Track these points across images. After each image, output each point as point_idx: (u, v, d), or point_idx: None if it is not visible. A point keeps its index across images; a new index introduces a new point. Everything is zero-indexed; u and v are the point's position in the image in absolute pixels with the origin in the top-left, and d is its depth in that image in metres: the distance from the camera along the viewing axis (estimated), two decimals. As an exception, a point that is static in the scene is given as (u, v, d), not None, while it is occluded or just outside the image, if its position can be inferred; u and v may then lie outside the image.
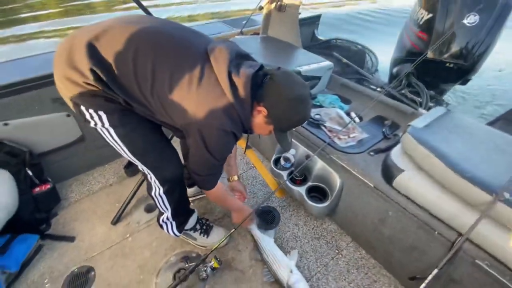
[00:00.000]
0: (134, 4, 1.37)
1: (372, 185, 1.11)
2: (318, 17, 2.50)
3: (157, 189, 1.08)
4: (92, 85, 0.80)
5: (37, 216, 1.49)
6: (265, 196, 1.65)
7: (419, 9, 1.89)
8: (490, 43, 1.66)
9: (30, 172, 1.49)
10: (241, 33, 2.04)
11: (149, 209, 1.61)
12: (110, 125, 0.87)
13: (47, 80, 1.45)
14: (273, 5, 1.91)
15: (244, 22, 2.14)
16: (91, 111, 0.85)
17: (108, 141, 0.94)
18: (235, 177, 1.35)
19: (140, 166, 1.01)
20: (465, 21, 1.60)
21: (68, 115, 1.57)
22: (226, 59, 0.79)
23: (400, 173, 0.99)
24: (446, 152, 0.87)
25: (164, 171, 1.04)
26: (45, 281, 1.29)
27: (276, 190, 1.63)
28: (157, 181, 1.05)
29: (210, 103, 0.80)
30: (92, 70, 0.76)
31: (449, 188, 0.85)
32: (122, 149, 0.94)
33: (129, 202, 1.56)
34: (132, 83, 0.79)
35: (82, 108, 0.85)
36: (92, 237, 1.47)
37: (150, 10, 1.41)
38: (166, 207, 1.16)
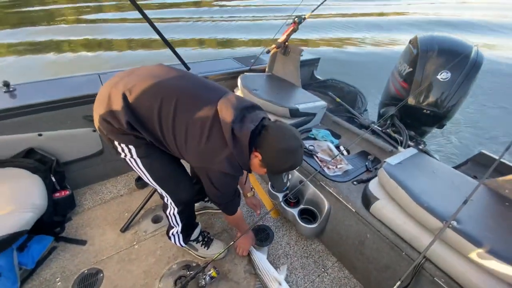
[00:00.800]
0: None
1: (354, 210, 1.31)
2: (317, 59, 2.84)
3: (172, 209, 1.28)
4: (123, 130, 1.00)
5: (54, 219, 1.63)
6: (261, 215, 1.82)
7: (402, 62, 2.22)
8: (461, 96, 1.95)
9: (53, 179, 1.67)
10: (250, 70, 2.34)
11: (156, 220, 1.77)
12: (138, 156, 1.08)
13: (81, 100, 1.69)
14: (279, 50, 2.23)
15: (252, 60, 2.46)
16: (122, 145, 1.06)
17: (135, 169, 1.14)
18: (249, 194, 1.59)
19: (159, 190, 1.22)
20: (438, 77, 1.91)
21: (94, 131, 1.79)
22: (230, 116, 0.95)
23: (376, 200, 1.20)
24: (410, 185, 1.09)
25: (179, 195, 1.24)
26: (57, 279, 1.42)
27: (271, 210, 1.81)
28: (173, 203, 1.25)
29: (215, 153, 0.99)
30: (128, 123, 0.97)
31: (412, 215, 1.06)
32: (146, 176, 1.15)
33: (138, 213, 1.72)
34: (157, 131, 1.01)
35: (116, 143, 1.06)
36: (102, 242, 1.61)
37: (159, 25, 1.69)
38: (177, 223, 1.35)
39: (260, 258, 1.47)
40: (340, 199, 1.36)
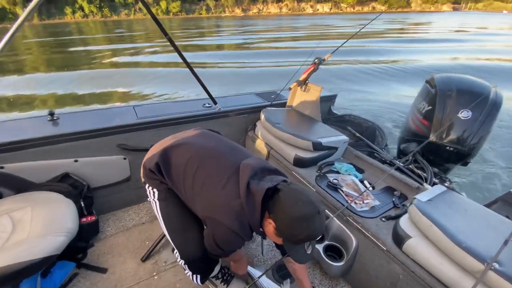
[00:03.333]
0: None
1: (385, 248, 1.26)
2: (334, 96, 2.95)
3: (180, 260, 1.24)
4: (154, 173, 1.14)
5: (78, 245, 1.66)
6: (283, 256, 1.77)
7: (421, 100, 2.29)
8: (483, 135, 1.95)
9: (82, 203, 1.73)
10: (271, 105, 2.45)
11: (176, 250, 1.75)
12: (158, 199, 1.19)
13: (116, 130, 1.81)
14: (300, 87, 2.36)
15: (273, 96, 2.59)
16: (150, 188, 1.21)
17: (155, 212, 1.23)
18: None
19: (168, 239, 1.23)
20: (459, 115, 1.94)
21: (125, 158, 1.88)
22: (249, 171, 0.98)
23: (409, 238, 1.17)
24: (445, 224, 1.07)
25: (184, 250, 1.18)
26: (76, 308, 1.40)
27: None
28: (179, 256, 1.22)
29: (226, 204, 0.97)
30: (157, 164, 1.12)
31: (449, 255, 1.01)
32: (161, 220, 1.22)
33: (159, 242, 1.72)
34: (180, 180, 1.10)
35: (147, 185, 1.22)
36: (122, 271, 1.60)
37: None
38: (187, 270, 1.28)
39: (259, 277, 1.37)
40: (369, 235, 1.33)
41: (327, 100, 2.89)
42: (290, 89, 2.43)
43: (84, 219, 1.72)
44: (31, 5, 1.13)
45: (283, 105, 2.56)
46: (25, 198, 1.49)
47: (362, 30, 2.50)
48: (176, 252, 1.23)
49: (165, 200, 1.18)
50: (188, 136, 1.24)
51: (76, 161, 1.74)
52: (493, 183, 3.04)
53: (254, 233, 1.08)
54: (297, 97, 2.47)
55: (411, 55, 11.06)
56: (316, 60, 2.28)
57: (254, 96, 2.65)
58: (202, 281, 1.39)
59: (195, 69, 1.95)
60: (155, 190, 1.19)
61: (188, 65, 1.87)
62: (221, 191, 1.00)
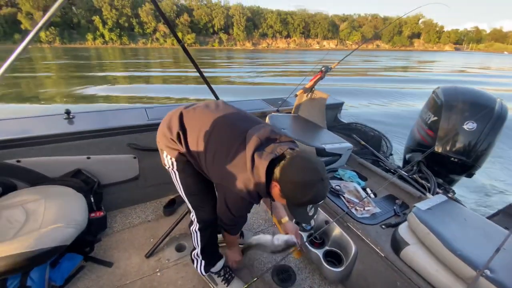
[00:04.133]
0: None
1: (383, 255, 1.28)
2: (341, 103, 2.99)
3: (195, 225, 1.37)
4: (173, 141, 1.19)
5: (86, 238, 1.72)
6: (283, 256, 1.79)
7: (427, 110, 2.29)
8: (487, 146, 1.94)
9: (92, 199, 1.80)
10: (277, 111, 2.51)
11: (179, 248, 1.80)
12: (177, 169, 1.25)
13: (128, 130, 1.89)
14: (306, 94, 2.40)
15: (280, 102, 2.64)
16: (168, 157, 1.25)
17: (174, 180, 1.31)
18: (286, 218, 1.50)
19: (187, 203, 1.34)
20: (464, 127, 1.95)
21: (134, 157, 1.95)
22: (254, 143, 1.04)
23: (406, 246, 1.18)
24: (442, 232, 1.08)
25: (202, 212, 1.33)
26: (82, 299, 1.45)
27: (293, 249, 1.78)
28: (196, 219, 1.35)
29: (235, 175, 1.06)
30: (178, 134, 1.17)
31: (444, 262, 1.03)
32: (180, 188, 1.30)
33: (163, 240, 1.77)
34: (194, 146, 1.16)
35: (164, 154, 1.26)
36: (127, 266, 1.65)
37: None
38: (198, 243, 1.41)
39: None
40: (368, 242, 1.35)
41: (334, 108, 2.92)
42: (296, 95, 2.48)
43: (93, 214, 1.79)
44: (39, 24, 1.20)
45: (289, 111, 2.61)
46: (39, 191, 1.57)
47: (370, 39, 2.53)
48: (193, 215, 1.34)
49: (183, 172, 1.25)
50: (202, 104, 1.28)
51: (88, 158, 1.82)
52: (497, 195, 2.99)
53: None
54: (303, 104, 2.51)
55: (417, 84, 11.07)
56: (323, 68, 2.33)
57: (261, 101, 2.71)
58: (206, 270, 1.48)
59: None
60: (173, 160, 1.23)
61: (198, 68, 1.93)
62: (230, 163, 1.06)
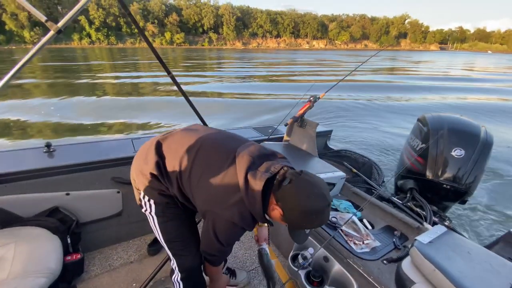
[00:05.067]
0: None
1: None
2: (330, 131, 3.02)
3: (177, 275, 1.22)
4: (153, 176, 1.06)
5: (59, 286, 1.53)
6: None
7: (414, 138, 2.34)
8: (478, 173, 1.97)
9: (69, 240, 1.64)
10: (268, 139, 2.49)
11: (165, 293, 1.63)
12: (156, 214, 1.13)
13: (112, 163, 1.79)
14: (296, 123, 2.42)
15: (270, 130, 2.64)
16: (146, 199, 1.12)
17: (152, 225, 1.18)
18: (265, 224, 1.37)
19: (167, 251, 1.20)
20: (453, 154, 1.98)
21: (118, 192, 1.83)
22: (246, 162, 0.95)
23: (413, 284, 1.10)
24: (448, 268, 1.02)
25: (184, 260, 1.19)
26: None
27: (287, 281, 1.65)
28: (177, 267, 1.20)
29: (226, 198, 0.95)
30: (156, 163, 1.05)
31: (456, 303, 0.96)
32: (159, 234, 1.17)
33: (147, 284, 1.60)
34: (176, 173, 1.04)
35: (141, 195, 1.12)
36: (105, 318, 1.46)
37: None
38: None
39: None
40: (371, 280, 1.26)
41: (323, 135, 2.94)
42: (286, 125, 2.49)
43: (69, 258, 1.62)
44: (41, 42, 1.18)
45: (280, 139, 2.60)
46: (10, 234, 1.42)
47: (355, 70, 2.65)
48: (174, 264, 1.20)
49: (163, 216, 1.13)
50: (182, 129, 1.18)
51: (67, 194, 1.69)
52: (492, 221, 3.00)
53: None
54: (294, 132, 2.51)
55: (404, 92, 11.61)
56: (311, 98, 2.38)
57: (252, 130, 2.70)
58: None
59: (193, 100, 1.97)
60: (151, 202, 1.11)
61: (185, 96, 1.90)
62: (219, 184, 0.96)
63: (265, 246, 1.29)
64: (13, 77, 1.18)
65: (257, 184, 0.91)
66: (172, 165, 1.05)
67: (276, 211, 0.95)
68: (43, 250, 1.34)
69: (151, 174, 1.07)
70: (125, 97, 9.82)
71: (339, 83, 2.49)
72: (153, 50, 1.61)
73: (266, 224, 1.36)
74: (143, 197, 1.12)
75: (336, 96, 10.19)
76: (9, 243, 1.35)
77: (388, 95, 10.89)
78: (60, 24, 1.19)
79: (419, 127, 2.36)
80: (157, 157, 1.07)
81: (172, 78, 1.79)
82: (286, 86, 13.74)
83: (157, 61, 1.64)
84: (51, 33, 1.21)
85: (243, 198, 0.93)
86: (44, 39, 1.21)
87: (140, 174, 1.10)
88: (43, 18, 1.19)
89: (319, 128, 2.67)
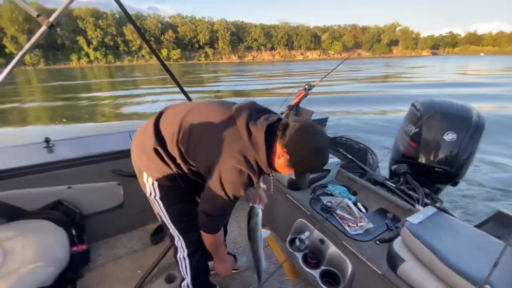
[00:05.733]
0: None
1: (380, 273, 1.26)
2: (326, 119, 3.05)
3: (182, 251, 1.27)
4: (156, 151, 1.08)
5: (67, 276, 1.59)
6: (274, 270, 1.75)
7: (408, 123, 2.38)
8: (469, 156, 2.03)
9: (74, 231, 1.69)
10: (265, 128, 2.52)
11: (169, 279, 1.70)
12: (160, 198, 1.17)
13: (111, 156, 1.82)
14: (291, 111, 2.44)
15: (267, 119, 2.67)
16: (150, 180, 1.14)
17: (156, 209, 1.22)
18: (262, 185, 1.40)
19: (174, 231, 1.24)
20: (445, 137, 2.03)
21: (119, 184, 1.87)
22: (246, 113, 0.99)
23: (402, 262, 1.17)
24: (437, 246, 1.08)
25: (190, 236, 1.25)
26: None
27: (284, 261, 1.73)
28: (184, 244, 1.26)
29: (230, 145, 0.97)
30: (156, 135, 1.08)
31: (442, 277, 1.02)
32: (165, 217, 1.21)
33: (151, 271, 1.67)
34: (177, 139, 1.05)
35: (144, 176, 1.15)
36: (113, 303, 1.54)
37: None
38: (187, 271, 1.31)
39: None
40: (364, 260, 1.33)
41: (319, 123, 2.97)
42: (282, 113, 2.51)
43: (75, 248, 1.67)
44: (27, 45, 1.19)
45: (277, 128, 2.63)
46: (16, 227, 1.46)
47: (346, 59, 2.64)
48: (179, 242, 1.24)
49: (167, 199, 1.17)
50: (171, 105, 1.20)
51: (69, 187, 1.73)
52: (482, 201, 3.10)
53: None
54: (290, 121, 2.54)
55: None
56: (306, 86, 2.39)
57: None
58: None
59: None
60: (155, 185, 1.13)
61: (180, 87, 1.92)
62: (221, 134, 0.99)
63: (258, 206, 1.22)
64: (9, 75, 1.19)
65: (259, 131, 0.95)
66: (171, 132, 1.07)
67: (282, 158, 0.98)
68: (49, 241, 1.40)
69: (154, 149, 1.08)
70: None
71: (335, 73, 2.49)
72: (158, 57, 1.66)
73: (262, 186, 1.39)
74: (147, 179, 1.15)
75: (332, 90, 10.15)
76: (17, 235, 1.40)
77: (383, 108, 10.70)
78: (51, 18, 1.19)
79: (412, 112, 2.40)
80: (156, 130, 1.09)
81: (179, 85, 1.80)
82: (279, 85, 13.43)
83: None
84: (43, 28, 1.21)
85: (246, 145, 0.95)
86: (36, 35, 1.21)
87: (142, 153, 1.12)
88: (34, 13, 1.18)
89: (315, 116, 2.70)
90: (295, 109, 2.49)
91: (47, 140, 1.84)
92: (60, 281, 1.53)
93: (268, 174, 1.09)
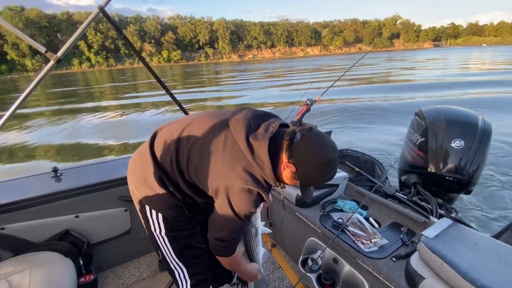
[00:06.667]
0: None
1: None
2: (330, 132, 3.05)
3: (185, 283, 1.19)
4: (156, 178, 1.01)
5: (75, 309, 1.55)
6: None
7: (413, 132, 2.36)
8: (479, 162, 1.98)
9: (81, 262, 1.66)
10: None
11: (179, 308, 1.64)
12: (165, 234, 1.10)
13: (118, 182, 1.83)
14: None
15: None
16: (154, 214, 1.07)
17: (160, 245, 1.14)
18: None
19: (173, 265, 1.18)
20: (452, 145, 2.00)
21: (126, 210, 1.86)
22: (243, 127, 0.93)
23: (422, 280, 1.11)
24: (456, 261, 1.03)
25: (194, 267, 1.19)
26: None
27: (297, 283, 1.65)
28: (186, 275, 1.19)
29: (234, 165, 0.91)
30: (155, 162, 1.01)
31: (466, 296, 0.97)
32: (170, 253, 1.14)
33: (160, 300, 1.62)
34: (176, 162, 1.00)
35: (147, 210, 1.07)
36: (122, 337, 1.47)
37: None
38: None
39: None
40: (382, 278, 1.27)
41: None
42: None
43: (82, 279, 1.65)
44: (43, 72, 1.24)
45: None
46: (24, 260, 1.44)
47: (348, 71, 2.69)
48: (181, 275, 1.18)
49: (173, 235, 1.10)
50: (164, 126, 1.13)
51: (77, 216, 1.72)
52: (499, 209, 2.99)
53: None
54: (297, 130, 2.54)
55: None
56: (308, 102, 2.41)
57: None
58: None
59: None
60: (160, 220, 1.07)
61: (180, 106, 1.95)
62: (222, 154, 0.93)
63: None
64: (19, 107, 1.24)
65: (262, 145, 0.89)
66: (169, 157, 1.01)
67: (287, 170, 0.93)
68: (57, 274, 1.37)
69: (158, 178, 1.02)
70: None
71: (335, 86, 2.52)
72: (149, 68, 1.68)
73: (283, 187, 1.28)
74: (150, 214, 1.08)
75: (334, 98, 10.24)
76: (25, 269, 1.38)
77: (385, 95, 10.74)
78: (59, 53, 1.25)
79: (416, 121, 2.38)
80: (153, 157, 1.03)
81: (171, 95, 1.84)
82: (281, 95, 13.60)
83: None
84: (51, 63, 1.27)
85: (250, 162, 0.91)
86: (44, 70, 1.27)
87: (142, 185, 1.06)
88: (42, 49, 1.24)
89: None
90: (298, 125, 2.50)
91: (55, 170, 1.86)
92: (67, 315, 1.49)
93: (277, 187, 1.03)
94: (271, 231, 1.22)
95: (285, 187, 1.09)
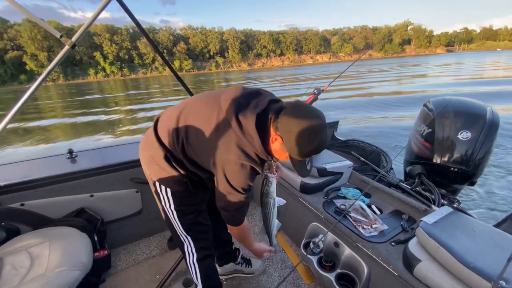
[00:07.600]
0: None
1: (396, 274, 1.25)
2: (337, 122, 3.06)
3: (192, 256, 1.30)
4: (163, 156, 1.10)
5: (90, 280, 1.67)
6: (289, 272, 1.75)
7: (421, 123, 2.35)
8: (485, 154, 1.97)
9: (96, 238, 1.77)
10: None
11: (187, 283, 1.74)
12: (175, 208, 1.20)
13: (130, 164, 1.91)
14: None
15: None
16: (163, 189, 1.16)
17: (170, 219, 1.24)
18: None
19: (183, 238, 1.27)
20: (459, 136, 1.99)
21: (137, 191, 1.95)
22: (233, 106, 0.98)
23: (418, 262, 1.16)
24: (452, 245, 1.07)
25: (201, 242, 1.29)
26: None
27: (298, 263, 1.73)
28: (193, 249, 1.28)
29: (227, 142, 0.97)
30: (159, 142, 1.10)
31: (457, 276, 1.01)
32: (178, 226, 1.24)
33: (169, 276, 1.72)
34: (176, 141, 1.08)
35: (157, 185, 1.16)
36: (133, 307, 1.59)
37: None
38: (197, 277, 1.32)
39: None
40: (380, 261, 1.32)
41: (330, 126, 2.98)
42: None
43: (97, 254, 1.75)
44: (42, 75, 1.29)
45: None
46: (43, 234, 1.55)
47: (354, 64, 2.67)
48: (188, 247, 1.28)
49: (181, 210, 1.19)
50: (166, 110, 1.21)
51: (91, 196, 1.82)
52: (502, 201, 2.98)
53: None
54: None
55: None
56: (315, 91, 2.42)
57: None
58: None
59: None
60: (169, 195, 1.16)
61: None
62: (215, 131, 0.99)
63: (271, 176, 1.13)
64: (36, 90, 1.30)
65: (249, 122, 0.94)
66: (171, 137, 1.08)
67: (276, 143, 0.96)
68: (74, 247, 1.47)
69: (165, 156, 1.10)
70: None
71: (342, 79, 2.51)
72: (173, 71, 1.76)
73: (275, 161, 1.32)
74: (160, 190, 1.16)
75: (342, 94, 10.07)
76: (44, 242, 1.49)
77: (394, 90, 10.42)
78: (74, 38, 1.30)
79: (425, 112, 2.37)
80: (158, 138, 1.11)
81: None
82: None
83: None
84: (66, 48, 1.32)
85: (241, 138, 0.95)
86: (60, 54, 1.32)
87: (151, 163, 1.14)
88: (57, 34, 1.29)
89: (326, 120, 2.70)
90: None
91: (70, 152, 1.96)
92: (83, 285, 1.60)
93: (270, 160, 1.06)
94: (286, 201, 1.25)
95: (277, 161, 1.11)
